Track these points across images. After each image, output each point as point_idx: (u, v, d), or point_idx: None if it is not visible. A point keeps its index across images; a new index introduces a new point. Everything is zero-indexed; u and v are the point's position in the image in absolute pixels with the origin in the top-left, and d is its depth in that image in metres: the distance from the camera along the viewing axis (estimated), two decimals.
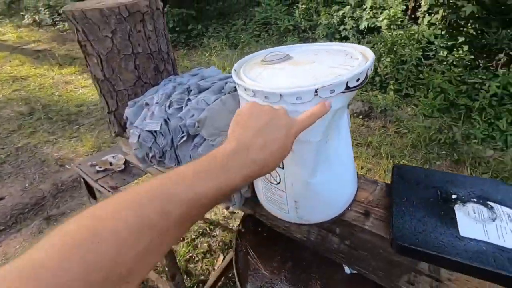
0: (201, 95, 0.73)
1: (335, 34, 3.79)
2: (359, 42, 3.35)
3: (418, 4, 3.22)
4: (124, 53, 0.84)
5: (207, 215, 1.78)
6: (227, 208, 0.78)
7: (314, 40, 3.95)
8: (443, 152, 2.17)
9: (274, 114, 0.39)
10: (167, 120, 0.73)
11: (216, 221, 1.75)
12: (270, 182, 0.59)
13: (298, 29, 4.25)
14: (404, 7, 3.28)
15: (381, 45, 3.01)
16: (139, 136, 0.76)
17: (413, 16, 3.23)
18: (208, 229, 1.73)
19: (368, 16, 3.43)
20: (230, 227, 1.69)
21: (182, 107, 0.73)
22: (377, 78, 2.98)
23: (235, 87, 0.74)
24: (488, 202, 0.56)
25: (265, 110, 0.40)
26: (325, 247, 0.62)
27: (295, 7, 4.48)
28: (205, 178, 0.31)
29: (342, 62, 0.50)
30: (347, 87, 0.44)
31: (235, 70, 0.56)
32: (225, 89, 0.75)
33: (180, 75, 0.95)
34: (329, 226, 0.62)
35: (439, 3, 2.82)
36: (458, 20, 2.67)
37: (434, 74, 2.64)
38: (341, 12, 3.70)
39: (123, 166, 1.07)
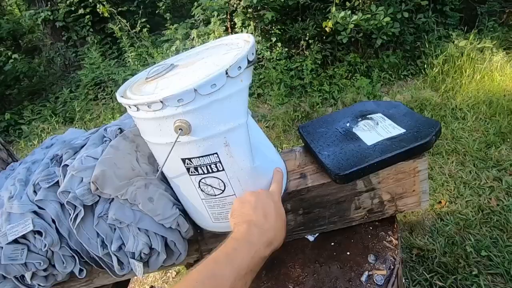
0: (81, 153, 0.67)
1: None
2: None
3: (233, 22, 4.15)
4: None
5: None
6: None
7: None
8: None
9: (256, 195, 0.59)
10: (38, 211, 0.62)
11: None
12: (215, 195, 0.63)
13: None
14: (224, 27, 4.15)
15: None
16: None
17: (233, 33, 4.13)
18: None
19: (198, 44, 4.12)
20: None
21: (56, 182, 0.64)
22: None
23: (119, 129, 0.75)
24: (367, 116, 0.87)
25: (248, 197, 0.59)
26: None
27: (124, 58, 4.74)
28: (238, 254, 0.48)
29: (224, 54, 0.59)
30: (248, 62, 0.54)
31: (118, 93, 0.61)
32: (108, 135, 0.73)
33: (21, 160, 0.82)
34: None
35: (248, 17, 3.77)
36: (265, 26, 3.67)
37: (270, 71, 3.49)
38: (173, 47, 4.25)
39: None
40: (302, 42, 3.57)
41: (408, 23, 2.97)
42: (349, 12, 2.67)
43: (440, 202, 1.78)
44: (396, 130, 0.78)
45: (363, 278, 0.72)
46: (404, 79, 3.14)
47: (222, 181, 0.61)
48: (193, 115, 0.53)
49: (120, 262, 0.64)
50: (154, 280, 1.82)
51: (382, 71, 3.11)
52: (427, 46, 2.94)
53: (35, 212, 0.61)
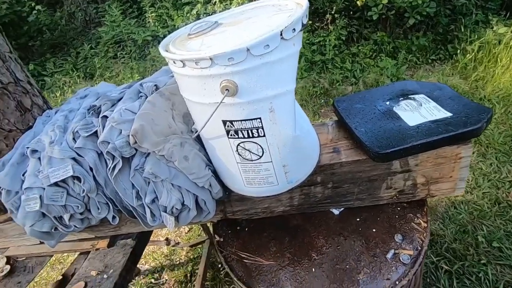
0: (119, 106, 0.65)
1: None
2: None
3: None
4: None
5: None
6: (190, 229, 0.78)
7: None
8: (322, 100, 2.83)
9: None
10: (78, 158, 0.62)
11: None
12: (252, 160, 0.60)
13: (157, 38, 4.40)
14: None
15: None
16: (41, 198, 0.61)
17: None
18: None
19: (220, 9, 3.94)
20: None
21: (95, 131, 0.64)
22: None
23: (155, 85, 0.72)
24: (409, 96, 0.81)
25: None
26: (309, 203, 0.72)
27: (144, 18, 4.60)
28: None
29: (274, 14, 0.54)
30: (302, 25, 0.50)
31: (161, 47, 0.58)
32: (144, 90, 0.71)
33: (56, 108, 0.79)
34: (309, 180, 0.70)
35: None
36: None
37: None
38: (194, 11, 4.08)
39: (8, 267, 0.86)
40: (327, 15, 3.37)
41: (445, 3, 2.75)
42: None
43: None
44: (441, 113, 0.73)
45: (389, 255, 0.71)
46: (431, 64, 2.97)
47: (261, 147, 0.58)
48: (242, 76, 0.49)
49: (152, 214, 0.64)
50: (167, 233, 1.88)
51: (409, 53, 2.94)
52: (462, 30, 2.74)
53: (74, 159, 0.61)
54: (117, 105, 0.65)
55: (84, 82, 4.10)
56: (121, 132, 0.59)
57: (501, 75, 2.34)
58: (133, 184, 0.61)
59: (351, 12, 3.27)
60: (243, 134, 0.57)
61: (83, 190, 0.60)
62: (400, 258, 0.69)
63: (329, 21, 3.45)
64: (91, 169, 0.60)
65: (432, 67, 2.95)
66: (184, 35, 0.61)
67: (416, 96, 0.81)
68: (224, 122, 0.57)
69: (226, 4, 3.96)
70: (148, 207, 0.62)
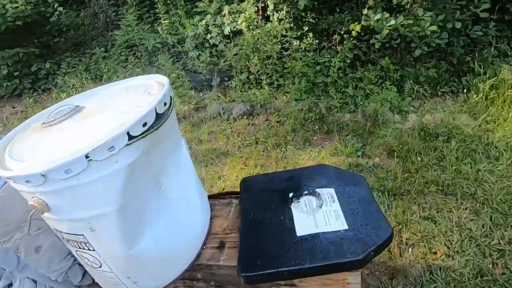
0: None
1: (204, 43, 4.15)
2: (226, 45, 3.78)
3: (266, 4, 3.87)
4: None
5: None
6: None
7: (186, 54, 4.22)
8: (316, 127, 2.70)
9: None
10: None
11: None
12: (94, 267, 0.56)
13: (166, 45, 4.45)
14: (256, 8, 3.89)
15: (246, 46, 3.49)
16: None
17: (264, 15, 3.86)
18: None
19: (228, 21, 3.92)
20: None
21: None
22: (251, 77, 3.43)
23: None
24: (316, 189, 0.71)
25: None
26: None
27: (157, 24, 4.68)
28: None
29: (139, 101, 0.51)
30: (131, 137, 0.43)
31: (2, 142, 0.52)
32: None
33: None
34: (190, 273, 0.64)
35: (281, 1, 3.48)
36: (299, 12, 3.37)
37: (294, 62, 3.24)
38: (204, 21, 4.09)
39: None
40: (335, 36, 3.24)
41: (460, 34, 2.53)
42: (387, 14, 2.31)
43: (435, 252, 1.55)
44: (338, 222, 0.62)
45: None
46: (441, 96, 2.75)
47: (97, 259, 0.52)
48: (48, 196, 0.44)
49: None
50: None
51: (416, 83, 2.74)
52: (476, 64, 2.50)
53: None
54: None
55: (92, 84, 4.22)
56: None
57: None
58: None
59: (362, 34, 3.12)
60: (74, 244, 0.52)
61: None
62: None
63: (336, 41, 3.32)
64: None
65: (442, 99, 2.73)
66: (39, 123, 0.56)
67: (323, 191, 0.71)
68: (55, 229, 0.52)
69: (235, 17, 3.93)
70: None
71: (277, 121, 2.90)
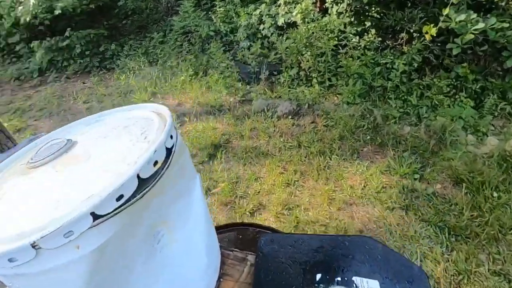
0: None
1: (257, 34, 3.86)
2: (278, 38, 3.44)
3: None
4: None
5: None
6: None
7: (237, 43, 3.98)
8: (368, 137, 2.30)
9: None
10: None
11: None
12: None
13: (219, 34, 4.25)
14: (314, 0, 3.46)
15: (299, 39, 3.13)
16: None
17: (322, 7, 3.42)
18: None
19: (283, 12, 3.55)
20: None
21: None
22: (301, 73, 3.08)
23: None
24: (353, 278, 0.51)
25: None
26: None
27: (212, 12, 4.48)
28: None
29: (125, 154, 0.40)
30: (98, 216, 0.32)
31: None
32: None
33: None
34: None
35: None
36: (362, 5, 2.89)
37: (351, 60, 2.81)
38: (258, 11, 3.78)
39: None
40: (403, 34, 2.71)
41: None
42: (474, 15, 1.78)
43: None
44: None
45: None
46: None
47: None
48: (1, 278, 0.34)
49: None
50: None
51: (502, 99, 2.17)
52: None
53: None
54: None
55: (148, 67, 4.21)
56: None
57: None
58: None
59: (436, 36, 2.56)
60: None
61: None
62: None
63: (404, 40, 2.79)
64: None
65: None
66: (28, 158, 0.46)
67: (363, 282, 0.47)
68: None
69: (291, 7, 3.54)
70: None
71: (324, 125, 2.55)
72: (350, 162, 2.17)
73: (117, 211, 0.33)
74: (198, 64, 3.93)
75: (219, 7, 4.34)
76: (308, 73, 3.05)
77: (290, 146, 2.43)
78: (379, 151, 2.21)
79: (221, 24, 4.20)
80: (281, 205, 1.96)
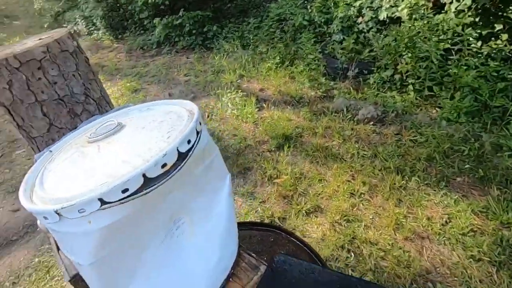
0: None
1: (352, 28, 3.41)
2: (376, 34, 2.96)
3: None
4: (28, 102, 0.80)
5: None
6: None
7: (329, 36, 3.61)
8: (467, 166, 1.81)
9: None
10: None
11: None
12: None
13: (313, 24, 3.92)
14: None
15: (400, 38, 2.61)
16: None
17: (437, 3, 2.74)
18: None
19: (388, 5, 3.01)
20: None
21: None
22: (396, 77, 2.61)
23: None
24: None
25: None
26: None
27: (309, 0, 4.14)
28: None
29: (150, 146, 0.43)
30: (104, 202, 0.36)
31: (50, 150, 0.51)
32: None
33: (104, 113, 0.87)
34: None
35: None
36: (493, 3, 2.18)
37: (464, 70, 2.21)
38: (358, 2, 3.31)
39: None
40: None
41: None
42: None
43: None
44: None
45: None
46: None
47: None
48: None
49: None
50: None
51: None
52: None
53: None
54: None
55: (241, 50, 4.23)
56: None
57: None
58: None
59: None
60: None
61: None
62: None
63: None
64: None
65: None
66: (84, 138, 0.53)
67: None
68: None
69: (397, 1, 2.96)
70: None
71: (411, 140, 2.12)
72: (435, 190, 1.75)
73: (123, 201, 0.36)
74: (286, 53, 3.74)
75: None
76: (404, 78, 2.56)
77: (365, 154, 2.11)
78: (478, 186, 1.71)
79: (316, 14, 3.85)
80: (340, 214, 1.74)
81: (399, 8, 2.90)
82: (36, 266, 1.76)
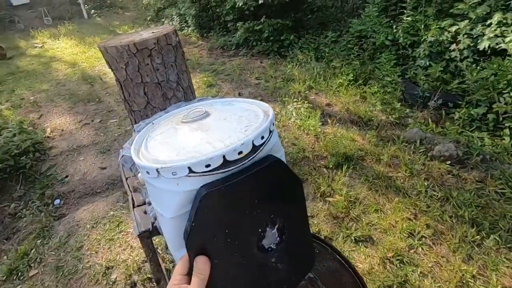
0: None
1: (442, 54, 3.06)
2: (471, 64, 2.59)
3: None
4: (136, 82, 0.98)
5: None
6: None
7: (413, 59, 3.32)
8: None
9: None
10: None
11: None
12: None
13: (396, 45, 3.65)
14: None
15: (502, 73, 2.24)
16: (122, 157, 0.83)
17: None
18: None
19: (492, 35, 2.61)
20: None
21: None
22: (490, 116, 2.26)
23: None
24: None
25: None
26: None
27: (397, 20, 3.85)
28: None
29: (230, 134, 0.50)
30: (191, 171, 0.43)
31: (136, 131, 0.62)
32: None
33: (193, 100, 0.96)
34: None
35: None
36: None
37: None
38: (454, 28, 2.95)
39: None
40: None
41: None
42: None
43: None
44: None
45: None
46: None
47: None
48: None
49: None
50: None
51: None
52: None
53: None
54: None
55: (314, 62, 4.18)
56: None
57: None
58: None
59: None
60: None
61: None
62: None
63: None
64: None
65: None
66: (178, 118, 0.62)
67: None
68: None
69: (505, 31, 2.53)
70: None
71: (496, 192, 1.81)
72: None
73: (205, 173, 0.43)
74: (361, 71, 3.56)
75: (407, 16, 3.67)
76: (501, 119, 2.19)
77: (434, 195, 1.88)
78: None
79: (402, 34, 3.56)
80: (393, 252, 1.58)
81: (506, 39, 2.49)
82: (110, 218, 2.04)
